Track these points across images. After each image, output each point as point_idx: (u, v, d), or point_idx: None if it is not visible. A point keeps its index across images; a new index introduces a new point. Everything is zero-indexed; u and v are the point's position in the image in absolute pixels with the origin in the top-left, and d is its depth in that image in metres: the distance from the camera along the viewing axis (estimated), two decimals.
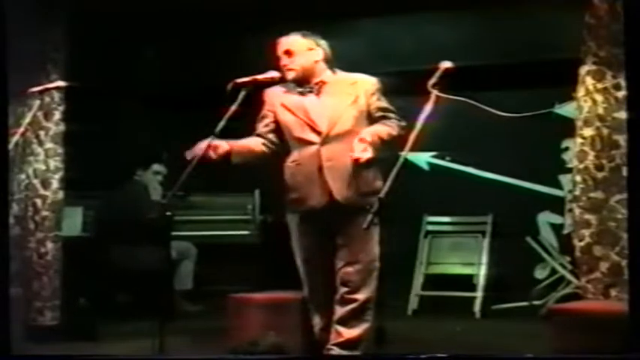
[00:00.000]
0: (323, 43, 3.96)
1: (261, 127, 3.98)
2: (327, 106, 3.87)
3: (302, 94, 3.92)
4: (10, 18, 3.83)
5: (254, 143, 3.95)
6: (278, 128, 3.95)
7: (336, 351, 3.84)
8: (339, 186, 3.81)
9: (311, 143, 3.85)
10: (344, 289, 3.84)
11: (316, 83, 3.91)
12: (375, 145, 3.71)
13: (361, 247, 3.81)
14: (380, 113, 3.87)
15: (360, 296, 3.82)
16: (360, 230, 3.58)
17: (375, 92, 3.90)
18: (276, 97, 3.96)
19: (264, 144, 3.95)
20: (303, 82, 3.92)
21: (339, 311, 3.85)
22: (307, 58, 3.90)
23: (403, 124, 3.83)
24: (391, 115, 3.88)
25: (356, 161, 3.70)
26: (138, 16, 5.89)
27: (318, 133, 3.85)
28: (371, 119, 3.88)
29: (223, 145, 3.78)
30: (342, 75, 3.96)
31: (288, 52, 3.90)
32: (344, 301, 3.84)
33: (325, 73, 3.94)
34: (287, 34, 3.96)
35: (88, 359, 4.29)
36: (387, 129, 3.81)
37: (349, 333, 3.83)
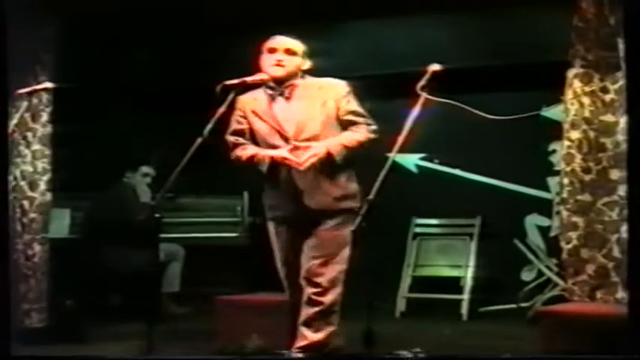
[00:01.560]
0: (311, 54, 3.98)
1: (235, 135, 3.96)
2: (295, 112, 3.88)
3: (272, 97, 3.91)
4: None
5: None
6: (252, 135, 3.95)
7: (299, 355, 3.81)
8: (310, 192, 3.83)
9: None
10: (312, 290, 3.82)
11: (287, 86, 3.90)
12: (338, 154, 3.75)
13: (332, 250, 3.81)
14: (349, 117, 3.85)
15: (327, 299, 3.81)
16: (331, 233, 3.76)
17: (345, 95, 3.88)
18: (247, 105, 3.94)
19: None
20: (278, 83, 3.91)
21: (305, 313, 3.84)
22: (299, 63, 3.92)
23: (373, 127, 3.84)
24: (360, 119, 3.85)
25: (301, 167, 3.75)
26: (126, 18, 5.88)
27: (287, 139, 3.86)
28: (341, 123, 3.87)
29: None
30: (310, 80, 3.95)
31: (289, 51, 3.90)
32: (311, 303, 3.83)
33: (297, 80, 3.94)
34: (278, 34, 3.96)
35: None
36: (353, 136, 3.82)
37: (314, 336, 3.81)
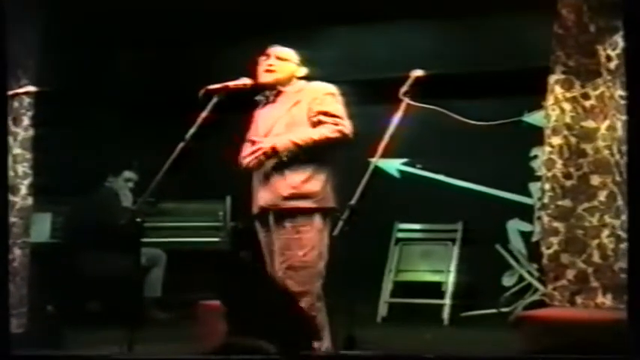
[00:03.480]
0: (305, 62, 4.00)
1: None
2: (271, 115, 3.92)
3: (261, 102, 3.98)
4: None
5: None
6: None
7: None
8: (263, 192, 3.85)
9: None
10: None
11: (274, 92, 3.94)
12: (285, 150, 3.74)
13: (295, 254, 3.78)
14: (318, 117, 3.83)
15: (301, 305, 3.73)
16: (289, 236, 3.75)
17: (319, 97, 3.86)
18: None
19: None
20: (268, 88, 3.93)
21: None
22: (291, 70, 3.96)
23: (340, 128, 3.78)
24: (327, 119, 3.81)
25: (244, 166, 3.82)
26: (109, 22, 5.87)
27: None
28: (312, 124, 3.86)
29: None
30: (298, 84, 3.97)
31: (280, 57, 3.94)
32: None
33: (287, 86, 3.96)
34: (260, 42, 3.99)
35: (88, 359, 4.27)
36: (309, 133, 3.79)
37: None
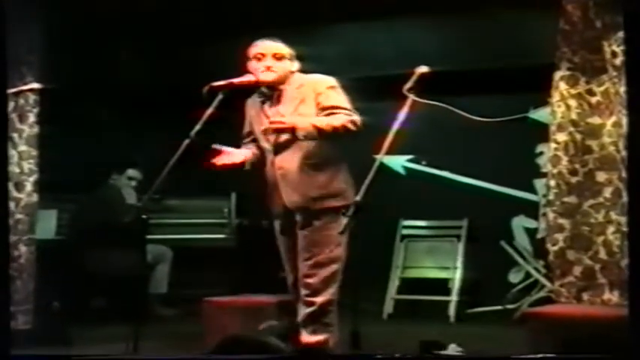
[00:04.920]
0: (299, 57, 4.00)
1: (244, 138, 4.08)
2: (277, 114, 3.90)
3: (263, 101, 3.98)
4: None
5: (246, 153, 4.00)
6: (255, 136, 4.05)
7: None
8: (289, 192, 3.86)
9: (269, 151, 3.93)
10: (305, 292, 3.86)
11: (276, 91, 3.93)
12: (303, 131, 3.72)
13: (321, 251, 3.82)
14: (327, 112, 3.82)
15: (319, 299, 3.82)
16: (317, 234, 3.78)
17: (325, 92, 3.86)
18: (248, 108, 4.05)
19: (253, 153, 4.02)
20: (271, 87, 3.94)
21: (302, 313, 3.88)
22: (288, 66, 3.95)
23: (355, 118, 3.78)
24: (340, 111, 3.81)
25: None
26: (113, 19, 5.87)
27: (270, 141, 3.91)
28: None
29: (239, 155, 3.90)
30: (296, 78, 3.96)
31: (276, 56, 3.92)
32: (305, 304, 3.87)
33: (286, 83, 3.96)
34: (263, 39, 3.97)
35: (89, 359, 4.27)
36: (329, 120, 3.77)
37: (310, 338, 3.83)
